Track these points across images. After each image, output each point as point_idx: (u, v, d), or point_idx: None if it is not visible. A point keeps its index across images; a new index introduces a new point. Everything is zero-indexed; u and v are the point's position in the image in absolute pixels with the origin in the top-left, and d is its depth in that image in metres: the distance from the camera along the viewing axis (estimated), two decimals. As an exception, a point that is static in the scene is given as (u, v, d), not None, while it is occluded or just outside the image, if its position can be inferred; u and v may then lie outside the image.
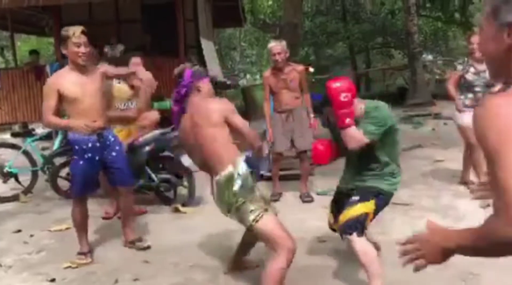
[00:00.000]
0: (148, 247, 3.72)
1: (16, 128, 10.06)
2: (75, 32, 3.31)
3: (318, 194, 4.96)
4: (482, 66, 4.36)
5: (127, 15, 10.38)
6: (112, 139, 3.60)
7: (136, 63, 4.55)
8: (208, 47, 11.49)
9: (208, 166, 2.75)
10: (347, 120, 2.70)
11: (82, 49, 3.32)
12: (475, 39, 4.40)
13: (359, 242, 2.69)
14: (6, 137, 8.54)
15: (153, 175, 4.78)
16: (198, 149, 2.75)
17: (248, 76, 24.24)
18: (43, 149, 7.25)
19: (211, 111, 2.69)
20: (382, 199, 2.86)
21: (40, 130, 7.33)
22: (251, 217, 2.57)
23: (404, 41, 14.80)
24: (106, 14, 10.29)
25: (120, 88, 4.52)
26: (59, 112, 3.42)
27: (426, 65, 16.11)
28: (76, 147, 3.44)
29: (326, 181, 5.44)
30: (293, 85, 4.72)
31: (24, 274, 3.34)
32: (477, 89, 4.57)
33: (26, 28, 12.99)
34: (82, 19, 10.17)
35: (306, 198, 4.84)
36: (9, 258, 3.66)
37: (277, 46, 4.67)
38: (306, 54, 19.41)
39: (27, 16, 11.36)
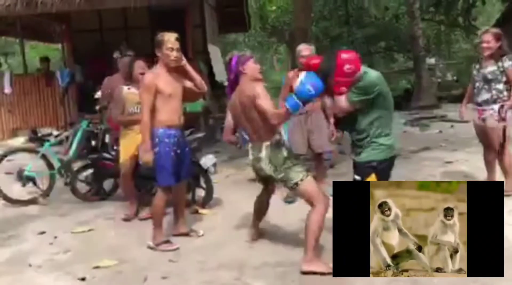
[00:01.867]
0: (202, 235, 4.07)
1: (27, 133, 10.18)
2: (170, 39, 3.77)
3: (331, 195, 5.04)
4: (485, 63, 4.59)
5: (135, 22, 10.52)
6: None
7: (140, 67, 4.67)
8: (214, 52, 11.63)
9: (258, 133, 3.31)
10: (342, 89, 3.03)
11: (175, 53, 3.77)
12: (485, 37, 4.58)
13: None
14: (20, 141, 8.63)
15: (171, 178, 4.87)
16: (249, 121, 3.33)
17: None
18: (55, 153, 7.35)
19: (248, 93, 3.27)
20: (382, 168, 3.13)
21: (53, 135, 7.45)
22: (299, 176, 3.19)
23: (407, 45, 14.94)
24: (115, 21, 10.43)
25: (129, 93, 4.66)
26: (155, 108, 3.76)
27: (431, 69, 16.24)
28: (166, 140, 3.78)
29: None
30: None
31: (55, 274, 3.43)
32: (476, 84, 4.71)
33: (34, 35, 13.14)
34: (92, 26, 10.36)
35: None
36: (38, 258, 3.75)
37: (306, 48, 4.77)
38: (310, 59, 19.52)
39: (36, 23, 11.49)
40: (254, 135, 3.36)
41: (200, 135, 4.89)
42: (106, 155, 5.38)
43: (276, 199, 4.82)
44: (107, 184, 5.54)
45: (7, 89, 9.41)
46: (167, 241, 3.84)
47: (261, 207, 3.80)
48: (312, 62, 3.20)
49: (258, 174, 3.53)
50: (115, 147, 5.23)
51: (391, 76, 18.51)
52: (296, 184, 3.21)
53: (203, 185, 4.90)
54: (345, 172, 6.10)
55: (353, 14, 18.37)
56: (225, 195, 5.18)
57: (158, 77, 3.77)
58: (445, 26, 17.35)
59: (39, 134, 8.16)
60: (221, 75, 11.32)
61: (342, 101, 3.08)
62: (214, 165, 4.86)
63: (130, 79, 4.73)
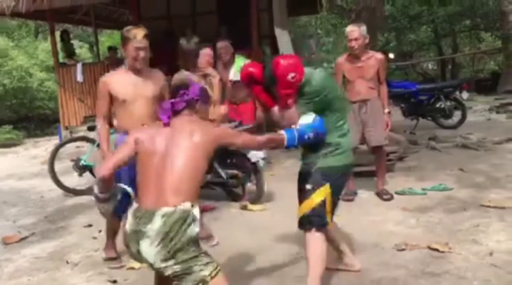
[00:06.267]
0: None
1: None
2: (136, 35, 3.09)
3: (396, 193, 4.54)
4: None
5: (203, 7, 10.42)
6: None
7: (206, 54, 4.40)
8: (282, 37, 11.21)
9: (162, 190, 2.04)
10: (289, 101, 2.55)
11: (141, 54, 3.13)
12: None
13: (313, 239, 2.60)
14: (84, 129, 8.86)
15: (220, 170, 4.62)
16: (162, 165, 2.08)
17: (325, 64, 23.67)
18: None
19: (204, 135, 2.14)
20: (337, 177, 2.64)
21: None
22: (206, 271, 2.02)
23: (496, 22, 13.60)
24: (183, 7, 10.38)
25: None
26: (111, 113, 3.29)
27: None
28: None
29: (406, 180, 5.01)
30: (369, 74, 4.35)
31: (89, 273, 3.32)
32: None
33: (109, 24, 13.48)
34: (160, 13, 10.36)
35: (385, 196, 4.44)
36: (77, 254, 3.68)
37: (354, 31, 4.29)
38: (386, 40, 18.51)
39: (109, 12, 11.76)
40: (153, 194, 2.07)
41: (249, 126, 4.58)
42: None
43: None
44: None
45: (79, 78, 9.71)
46: (114, 258, 3.43)
47: None
48: (249, 70, 2.64)
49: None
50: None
51: (476, 58, 17.09)
52: (203, 281, 2.02)
53: (253, 180, 4.61)
54: (416, 166, 5.54)
55: (434, -9, 17.00)
56: (280, 189, 4.85)
57: (112, 79, 3.20)
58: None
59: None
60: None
61: (294, 114, 2.55)
62: (264, 158, 4.54)
63: (194, 67, 4.25)
